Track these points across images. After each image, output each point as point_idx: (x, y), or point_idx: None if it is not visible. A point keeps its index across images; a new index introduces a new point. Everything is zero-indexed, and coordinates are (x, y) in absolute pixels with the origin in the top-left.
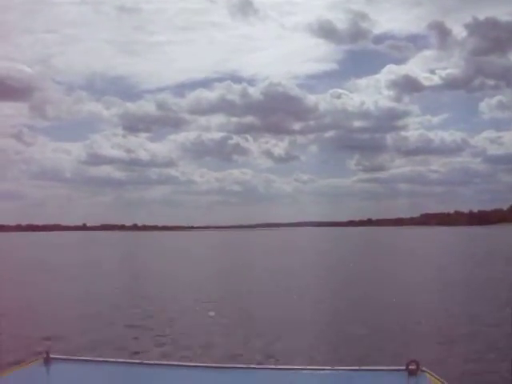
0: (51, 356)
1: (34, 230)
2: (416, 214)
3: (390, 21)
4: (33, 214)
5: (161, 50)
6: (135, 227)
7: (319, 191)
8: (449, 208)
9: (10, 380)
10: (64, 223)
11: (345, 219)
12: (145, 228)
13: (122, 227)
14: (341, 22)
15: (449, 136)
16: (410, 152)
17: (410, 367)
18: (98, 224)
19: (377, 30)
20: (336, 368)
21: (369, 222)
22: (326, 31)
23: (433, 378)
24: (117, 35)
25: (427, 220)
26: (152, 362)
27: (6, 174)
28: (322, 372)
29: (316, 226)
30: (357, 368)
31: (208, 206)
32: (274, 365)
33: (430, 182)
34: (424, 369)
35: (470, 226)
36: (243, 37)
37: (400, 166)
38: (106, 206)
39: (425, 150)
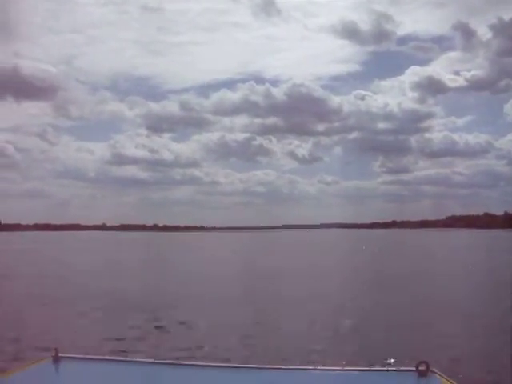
0: (60, 355)
1: (55, 229)
2: (441, 217)
3: (414, 22)
4: (57, 213)
5: (184, 51)
6: (157, 227)
7: (343, 193)
8: (474, 211)
9: (20, 378)
10: (88, 223)
11: (369, 221)
12: (167, 228)
13: (144, 227)
14: (364, 23)
15: (473, 138)
16: (434, 154)
17: (419, 368)
18: (120, 223)
19: (401, 31)
20: (346, 368)
21: (393, 224)
22: (349, 32)
23: (443, 379)
24: (140, 35)
25: (453, 222)
26: (161, 361)
27: (30, 173)
28: (331, 372)
29: (340, 228)
30: (367, 368)
31: (232, 207)
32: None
33: (454, 184)
34: (434, 370)
35: (499, 228)
36: (267, 37)
37: (424, 168)
38: (131, 205)
39: (449, 152)
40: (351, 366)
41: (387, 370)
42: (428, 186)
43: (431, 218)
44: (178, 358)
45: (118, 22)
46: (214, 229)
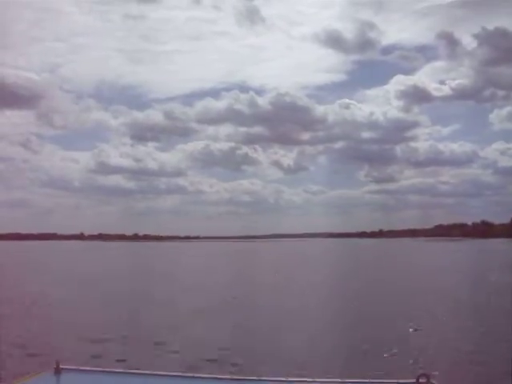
0: (61, 366)
1: (37, 239)
2: (429, 226)
3: (399, 31)
4: (40, 223)
5: (169, 60)
6: (141, 237)
7: (329, 202)
8: (461, 219)
9: None
10: (71, 232)
11: (355, 230)
12: (151, 238)
13: (128, 237)
14: (349, 32)
15: (459, 147)
16: (420, 163)
17: (420, 380)
18: (104, 233)
19: (385, 41)
20: (346, 380)
21: (380, 234)
22: (334, 41)
23: None
24: (124, 44)
25: (442, 231)
26: (163, 373)
27: (14, 183)
28: None
29: (326, 237)
30: (367, 381)
31: (217, 217)
32: (285, 377)
33: (440, 193)
34: (434, 382)
35: (490, 238)
36: (251, 46)
37: (410, 178)
38: (115, 215)
39: (435, 161)
40: (345, 378)
41: (387, 383)
42: (414, 195)
43: (419, 227)
44: None
45: (102, 30)
46: (198, 238)
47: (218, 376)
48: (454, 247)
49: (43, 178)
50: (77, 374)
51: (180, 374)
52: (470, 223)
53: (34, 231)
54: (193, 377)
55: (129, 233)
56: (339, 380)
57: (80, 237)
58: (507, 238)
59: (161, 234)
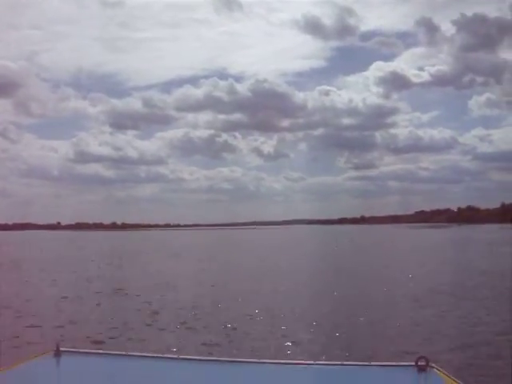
0: (61, 349)
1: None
2: (409, 212)
3: (378, 17)
4: (20, 212)
5: (147, 47)
6: (123, 225)
7: (309, 189)
8: (441, 205)
9: (20, 372)
10: (48, 221)
11: (336, 217)
12: (131, 226)
13: (108, 225)
14: (328, 18)
15: (438, 134)
16: (400, 150)
17: (419, 363)
18: (83, 222)
19: (364, 27)
20: (345, 363)
21: (362, 220)
22: (313, 28)
23: (442, 374)
24: (102, 32)
25: (422, 217)
26: (162, 356)
27: None
28: (331, 367)
29: (307, 224)
30: (366, 363)
31: (198, 204)
32: (284, 359)
33: (419, 179)
34: (433, 365)
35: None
36: (230, 34)
37: (390, 164)
38: (95, 204)
39: (414, 147)
40: (347, 360)
41: (386, 365)
42: (394, 181)
43: (400, 213)
44: None
45: (80, 17)
46: (178, 226)
47: (219, 358)
48: (444, 233)
49: (22, 168)
50: (77, 357)
51: (181, 356)
52: (454, 209)
53: (12, 221)
54: (192, 359)
55: (109, 221)
56: (339, 363)
57: (57, 226)
58: (495, 224)
59: (141, 223)
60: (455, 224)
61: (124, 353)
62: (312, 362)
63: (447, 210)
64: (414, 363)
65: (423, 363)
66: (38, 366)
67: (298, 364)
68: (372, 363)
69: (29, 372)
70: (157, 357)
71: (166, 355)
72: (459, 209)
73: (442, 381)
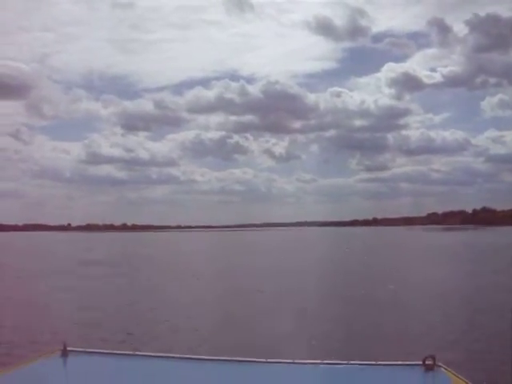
0: (68, 348)
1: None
2: (422, 214)
3: (390, 18)
4: (32, 214)
5: (158, 49)
6: (134, 227)
7: (321, 191)
8: (454, 207)
9: (28, 372)
10: (61, 223)
11: (348, 219)
12: (143, 228)
13: (120, 227)
14: (339, 19)
15: (450, 135)
16: (412, 151)
17: (426, 362)
18: (95, 224)
19: (376, 28)
20: (352, 362)
21: (374, 222)
22: (324, 29)
23: (449, 374)
24: (113, 33)
25: (436, 219)
26: (169, 355)
27: (5, 173)
28: (337, 367)
29: (319, 226)
30: (373, 363)
31: (209, 206)
32: (290, 359)
33: (431, 181)
34: (440, 364)
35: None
36: (241, 35)
37: (401, 166)
38: (107, 205)
39: (426, 149)
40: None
41: (393, 365)
42: (406, 183)
43: (412, 215)
44: None
45: (90, 19)
46: (190, 228)
47: (226, 358)
48: (460, 236)
49: (34, 169)
50: (84, 356)
51: (186, 356)
52: (469, 210)
53: (24, 222)
54: (199, 359)
55: (121, 223)
56: (345, 362)
57: (67, 228)
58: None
59: (151, 224)
60: (470, 226)
61: (131, 352)
62: (318, 361)
63: (461, 212)
64: (421, 362)
65: (430, 362)
66: (45, 365)
67: (303, 364)
68: (379, 362)
69: (36, 372)
70: (164, 356)
71: (173, 355)
72: (474, 210)
73: (449, 380)
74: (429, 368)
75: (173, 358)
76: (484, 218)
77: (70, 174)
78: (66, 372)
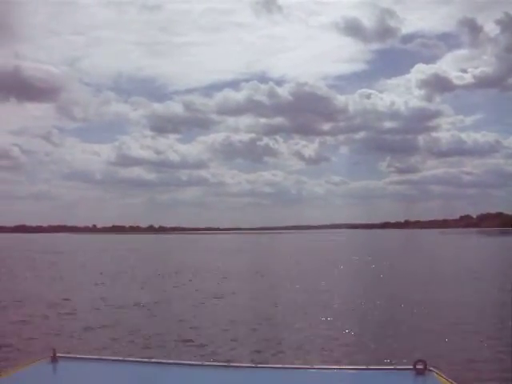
0: (58, 354)
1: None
2: (453, 216)
3: (419, 19)
4: (65, 215)
5: (186, 51)
6: (161, 228)
7: (351, 193)
8: (483, 210)
9: (17, 378)
10: (92, 224)
11: (379, 221)
12: (172, 229)
13: (149, 229)
14: (368, 20)
15: (481, 137)
16: (443, 153)
17: (417, 366)
18: (128, 225)
19: (405, 29)
20: (343, 367)
21: (406, 224)
22: (353, 30)
23: (441, 378)
24: (143, 36)
25: (470, 222)
26: (159, 361)
27: (36, 175)
28: (329, 371)
29: (350, 228)
30: (364, 367)
31: (239, 208)
32: (281, 364)
33: (463, 183)
34: (432, 368)
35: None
36: (270, 37)
37: (432, 168)
38: (137, 207)
39: (457, 151)
40: (348, 365)
41: (384, 369)
42: (436, 185)
43: (444, 217)
44: None
45: (119, 23)
46: (218, 230)
47: (217, 363)
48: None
49: (65, 171)
50: (73, 362)
51: (179, 361)
52: (508, 212)
53: (57, 224)
54: (190, 364)
55: (155, 224)
56: (336, 367)
57: (92, 229)
58: None
59: (181, 226)
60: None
61: (121, 358)
62: (309, 366)
63: (499, 215)
64: (411, 366)
65: (421, 366)
66: (35, 372)
67: (295, 368)
68: (369, 367)
69: (25, 378)
70: (155, 362)
71: (163, 360)
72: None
73: None
74: (419, 372)
75: (164, 363)
76: None
77: (100, 176)
78: (55, 378)
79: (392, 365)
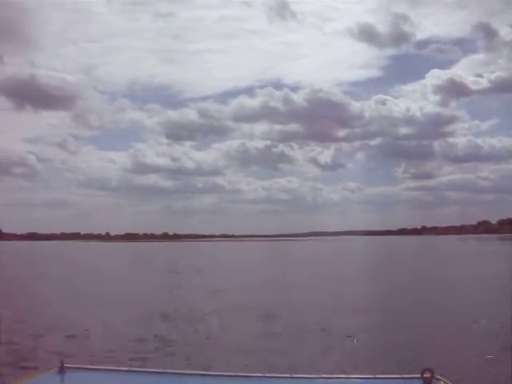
0: (66, 365)
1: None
2: (471, 222)
3: (434, 24)
4: (81, 223)
5: (201, 58)
6: (179, 236)
7: (367, 199)
8: (504, 216)
9: None
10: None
11: (395, 228)
12: (189, 237)
13: (166, 236)
14: (383, 26)
15: (498, 142)
16: (459, 159)
17: (424, 375)
18: (142, 233)
19: (420, 34)
20: (350, 376)
21: (423, 230)
22: (367, 36)
23: None
24: (157, 44)
25: (489, 228)
26: (169, 371)
27: (52, 183)
28: (336, 380)
29: (366, 235)
30: (371, 376)
31: (255, 215)
32: (289, 374)
33: (479, 189)
34: (439, 377)
35: None
36: (284, 44)
37: (448, 174)
38: (153, 214)
39: (473, 156)
40: (355, 374)
41: (392, 378)
42: (453, 191)
43: (461, 223)
44: None
45: (133, 30)
46: (234, 237)
47: (223, 373)
48: None
49: (81, 179)
50: (81, 373)
51: (185, 371)
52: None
53: (71, 231)
54: (198, 374)
55: (171, 232)
56: (344, 376)
57: (105, 237)
58: None
59: (196, 233)
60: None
61: (128, 368)
62: (317, 375)
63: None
64: (419, 375)
65: (429, 375)
66: (42, 382)
67: (303, 378)
68: (377, 376)
69: None
70: (162, 372)
71: (170, 370)
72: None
73: None
74: (427, 381)
75: (170, 373)
76: None
77: (115, 184)
78: None
79: (399, 373)
